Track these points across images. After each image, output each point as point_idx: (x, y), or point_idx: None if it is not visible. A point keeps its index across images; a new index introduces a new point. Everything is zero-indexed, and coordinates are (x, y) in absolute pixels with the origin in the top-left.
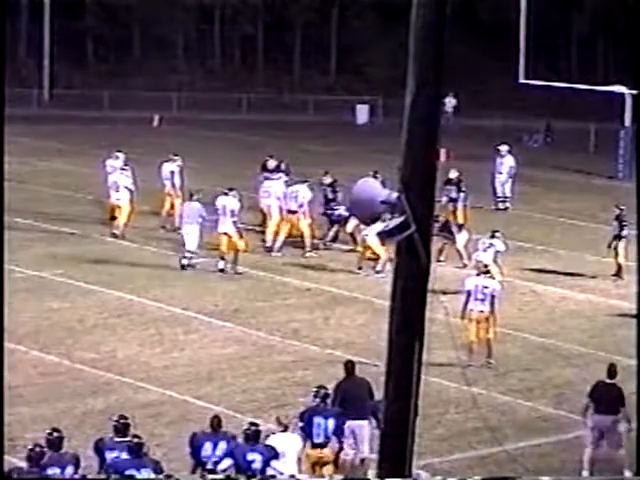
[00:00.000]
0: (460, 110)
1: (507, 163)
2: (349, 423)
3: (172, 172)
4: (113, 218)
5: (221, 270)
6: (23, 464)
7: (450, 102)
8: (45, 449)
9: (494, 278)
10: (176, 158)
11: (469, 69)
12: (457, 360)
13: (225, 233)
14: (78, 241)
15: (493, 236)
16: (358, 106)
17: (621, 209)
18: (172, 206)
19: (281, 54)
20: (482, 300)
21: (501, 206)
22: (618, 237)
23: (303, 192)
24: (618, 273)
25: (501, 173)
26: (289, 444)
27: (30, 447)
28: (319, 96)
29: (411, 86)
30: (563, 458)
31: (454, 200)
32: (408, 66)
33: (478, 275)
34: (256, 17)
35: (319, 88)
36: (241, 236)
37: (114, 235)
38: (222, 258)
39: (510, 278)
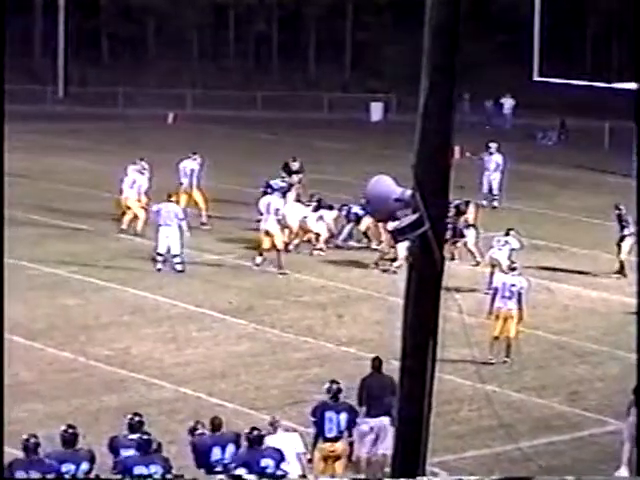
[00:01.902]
0: (517, 110)
1: (495, 160)
2: (370, 420)
3: (192, 170)
4: (124, 214)
5: (257, 265)
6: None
7: (508, 103)
8: (40, 439)
9: (523, 276)
10: (196, 156)
11: (483, 67)
12: (471, 358)
13: (267, 232)
14: (93, 238)
15: (508, 234)
16: (372, 104)
17: (620, 209)
18: (196, 203)
19: (295, 52)
20: (509, 297)
21: (485, 203)
22: (622, 237)
23: (327, 216)
24: (621, 270)
25: (488, 170)
26: (286, 444)
27: (25, 437)
28: (333, 93)
29: (424, 84)
30: (577, 456)
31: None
32: (422, 63)
33: (506, 273)
34: (270, 15)
35: (333, 85)
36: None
37: (122, 231)
38: (261, 254)
39: (524, 276)
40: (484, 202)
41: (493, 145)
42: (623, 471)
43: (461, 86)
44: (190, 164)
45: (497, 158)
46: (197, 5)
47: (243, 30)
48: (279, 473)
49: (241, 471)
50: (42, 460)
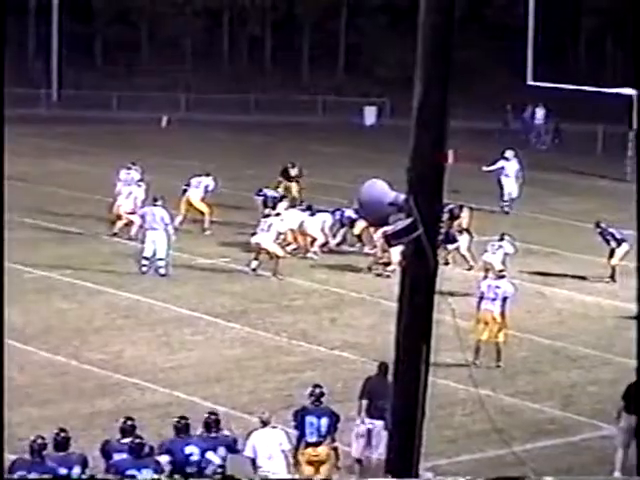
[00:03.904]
0: (549, 119)
1: (513, 167)
2: (367, 420)
3: (207, 185)
4: (119, 218)
5: (253, 270)
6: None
7: (539, 113)
8: (47, 441)
9: (511, 283)
10: (211, 177)
11: (477, 71)
12: (465, 362)
13: (258, 244)
14: (86, 241)
15: (502, 239)
16: (366, 107)
17: (601, 226)
18: (197, 210)
19: (289, 55)
20: (493, 300)
21: (506, 209)
22: (618, 243)
23: (326, 218)
24: (612, 275)
25: (508, 176)
26: (271, 440)
27: (32, 438)
28: (327, 97)
29: (418, 88)
30: (570, 460)
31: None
32: (416, 67)
33: (494, 278)
34: (264, 18)
35: (327, 89)
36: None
37: (115, 235)
38: (256, 259)
39: (518, 280)
40: (506, 209)
41: (510, 152)
42: (616, 476)
43: (453, 90)
44: (206, 180)
45: (515, 165)
46: (191, 9)
47: (237, 33)
48: (205, 462)
49: (164, 458)
50: (44, 462)
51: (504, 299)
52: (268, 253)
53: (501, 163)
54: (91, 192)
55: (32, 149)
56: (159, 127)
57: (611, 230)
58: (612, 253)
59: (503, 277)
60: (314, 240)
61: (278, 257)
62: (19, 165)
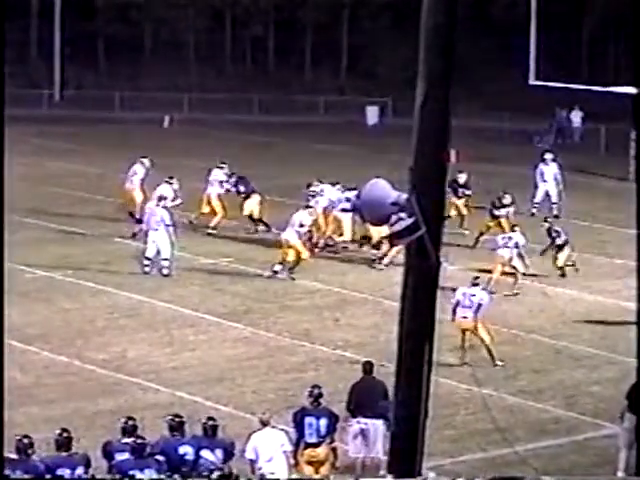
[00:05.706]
0: (586, 121)
1: (551, 170)
2: (362, 421)
3: (221, 181)
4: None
5: (275, 272)
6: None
7: (577, 115)
8: (33, 440)
9: (487, 291)
10: (224, 165)
11: (479, 70)
12: (467, 361)
13: (287, 241)
14: (89, 242)
15: (513, 230)
16: (368, 107)
17: (548, 221)
18: (213, 210)
19: (292, 55)
20: (469, 307)
21: (535, 212)
22: (558, 247)
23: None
24: (563, 275)
25: (546, 181)
26: (272, 441)
27: (18, 437)
28: (329, 97)
29: (421, 87)
30: (573, 460)
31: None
32: (418, 67)
33: (469, 286)
34: (267, 18)
35: (330, 89)
36: (306, 245)
37: (134, 235)
38: (281, 263)
39: (520, 280)
40: (534, 211)
41: (548, 155)
42: (619, 475)
43: (456, 89)
44: (218, 173)
45: (554, 169)
46: (194, 8)
47: (240, 33)
48: (202, 461)
49: (158, 458)
50: (27, 461)
51: (479, 306)
52: (297, 253)
53: (540, 167)
54: (93, 192)
55: (34, 149)
56: (161, 127)
57: (557, 228)
58: (559, 248)
59: (478, 285)
60: (341, 234)
61: (301, 257)
62: (21, 165)
